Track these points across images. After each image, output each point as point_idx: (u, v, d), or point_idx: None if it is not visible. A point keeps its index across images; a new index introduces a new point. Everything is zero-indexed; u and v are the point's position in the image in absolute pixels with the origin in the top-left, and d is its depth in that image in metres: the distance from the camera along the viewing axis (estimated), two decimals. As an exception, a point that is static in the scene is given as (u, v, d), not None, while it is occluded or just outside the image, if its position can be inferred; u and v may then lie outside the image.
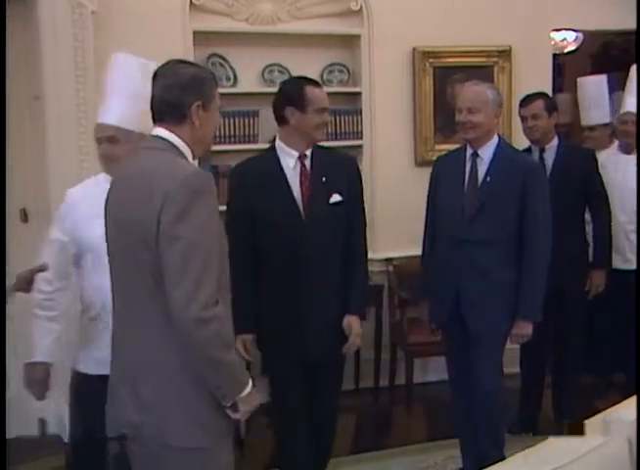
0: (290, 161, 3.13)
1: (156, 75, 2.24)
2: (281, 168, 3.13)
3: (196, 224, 2.03)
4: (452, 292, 3.39)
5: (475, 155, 3.38)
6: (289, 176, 3.12)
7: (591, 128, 4.71)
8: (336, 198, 3.15)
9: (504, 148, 3.41)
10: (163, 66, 2.26)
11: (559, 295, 3.98)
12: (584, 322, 4.18)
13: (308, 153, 3.17)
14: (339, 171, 3.20)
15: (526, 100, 4.09)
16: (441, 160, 3.67)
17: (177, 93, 2.17)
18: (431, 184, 3.60)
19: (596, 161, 4.16)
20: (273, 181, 3.10)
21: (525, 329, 3.34)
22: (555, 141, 4.07)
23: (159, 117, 2.22)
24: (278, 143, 3.15)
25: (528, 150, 4.10)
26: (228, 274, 2.23)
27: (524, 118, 4.07)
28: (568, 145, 4.20)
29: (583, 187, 4.05)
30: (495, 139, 3.38)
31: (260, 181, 3.10)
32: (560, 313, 4.10)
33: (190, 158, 2.23)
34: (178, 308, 2.00)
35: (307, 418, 3.25)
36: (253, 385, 2.20)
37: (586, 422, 2.19)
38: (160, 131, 2.21)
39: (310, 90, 3.09)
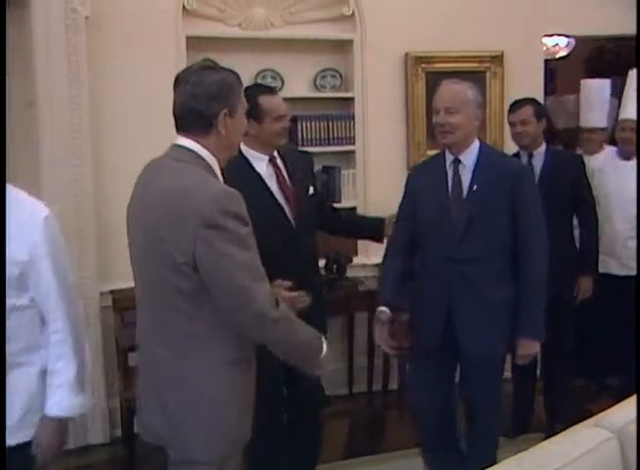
0: (261, 164, 3.18)
1: (178, 80, 2.19)
2: (257, 173, 3.16)
3: (233, 240, 2.06)
4: (444, 310, 3.13)
5: (456, 161, 3.11)
6: (266, 180, 3.16)
7: (590, 131, 4.67)
8: (311, 190, 3.30)
9: (487, 152, 3.15)
10: (186, 71, 2.22)
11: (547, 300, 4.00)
12: (574, 327, 4.17)
13: (275, 154, 3.24)
14: (305, 166, 3.35)
15: (515, 106, 4.07)
16: (418, 169, 3.39)
17: (205, 103, 2.13)
18: (405, 196, 3.30)
19: (584, 166, 4.14)
20: (252, 186, 3.04)
21: (531, 349, 3.12)
22: (543, 147, 4.05)
23: (183, 127, 2.19)
24: (245, 149, 3.12)
25: (517, 155, 4.08)
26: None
27: (512, 124, 4.05)
28: (556, 150, 4.19)
29: (572, 192, 4.03)
30: (477, 143, 3.12)
31: (238, 186, 3.07)
32: (549, 319, 4.08)
33: (216, 168, 2.20)
34: (249, 315, 2.09)
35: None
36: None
37: (578, 426, 2.20)
38: (186, 142, 2.18)
39: (265, 100, 3.10)
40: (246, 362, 2.26)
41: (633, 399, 2.21)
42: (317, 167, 4.83)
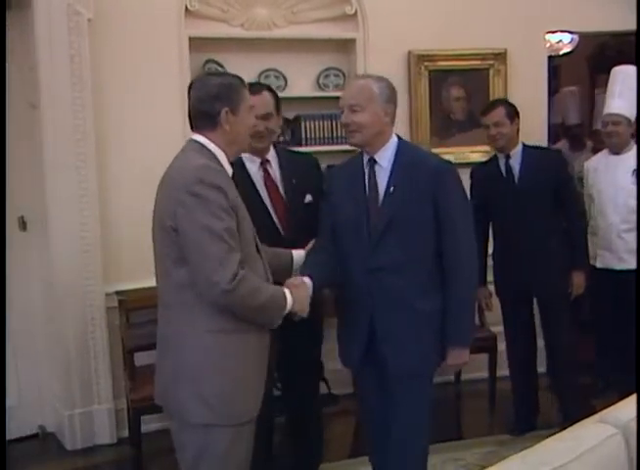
0: (252, 166, 3.16)
1: (190, 88, 2.51)
2: (248, 173, 3.14)
3: (209, 208, 2.27)
4: (365, 325, 2.86)
5: (372, 161, 2.85)
6: (256, 183, 3.14)
7: (615, 123, 4.44)
8: (309, 198, 3.23)
9: (406, 150, 2.87)
10: (196, 78, 2.57)
11: (539, 299, 4.08)
12: (570, 323, 4.15)
13: (271, 157, 3.20)
14: (306, 172, 3.28)
15: (487, 108, 4.08)
16: (336, 170, 3.17)
17: (208, 103, 2.43)
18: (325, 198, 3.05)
19: (566, 162, 4.13)
20: (242, 184, 2.87)
21: (461, 358, 2.88)
22: (519, 147, 4.03)
23: (195, 125, 2.49)
24: None
25: (495, 158, 4.10)
26: (254, 244, 2.48)
27: (486, 127, 4.03)
28: (533, 149, 4.12)
29: (555, 190, 3.99)
30: (393, 141, 2.86)
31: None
32: (545, 318, 4.13)
33: (223, 159, 2.46)
34: (207, 288, 2.28)
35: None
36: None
37: (583, 422, 2.20)
38: (197, 137, 2.48)
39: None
40: (236, 333, 2.38)
41: (638, 395, 2.21)
42: (321, 167, 4.85)
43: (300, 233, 3.10)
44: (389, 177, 2.81)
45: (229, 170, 2.49)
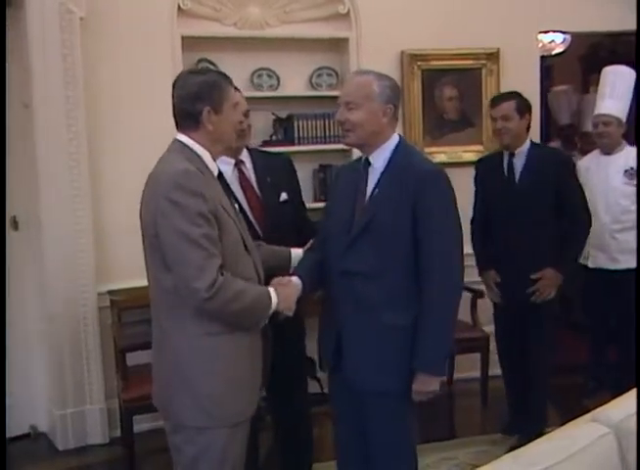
0: (227, 168, 3.07)
1: (173, 87, 2.46)
2: (222, 176, 3.06)
3: (187, 214, 2.23)
4: (334, 331, 2.71)
5: (367, 162, 2.73)
6: (231, 185, 3.07)
7: (606, 123, 4.43)
8: (284, 196, 3.23)
9: (402, 153, 2.69)
10: (178, 76, 2.49)
11: (528, 303, 3.82)
12: (553, 329, 3.92)
13: (244, 158, 3.18)
14: (280, 171, 3.27)
15: (496, 100, 3.86)
16: (340, 169, 3.07)
17: (188, 103, 2.39)
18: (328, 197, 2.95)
19: (573, 167, 3.92)
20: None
21: (428, 385, 2.61)
22: (527, 145, 3.80)
23: (179, 125, 2.45)
24: None
25: (500, 153, 3.89)
26: (241, 243, 2.43)
27: (493, 120, 3.83)
28: (541, 149, 3.93)
29: (557, 195, 3.74)
30: (391, 143, 2.68)
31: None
32: (530, 321, 3.87)
33: (207, 159, 2.43)
34: (188, 295, 2.27)
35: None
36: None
37: (576, 421, 2.20)
38: (181, 137, 2.44)
39: None
40: (224, 334, 2.37)
41: (630, 394, 2.21)
42: (314, 166, 4.86)
43: (278, 232, 3.10)
44: (378, 179, 2.67)
45: (214, 170, 2.46)
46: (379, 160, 2.68)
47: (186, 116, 2.40)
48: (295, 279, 2.66)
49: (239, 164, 3.16)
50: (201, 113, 2.37)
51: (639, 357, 3.94)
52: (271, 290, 2.48)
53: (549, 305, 3.82)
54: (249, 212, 3.10)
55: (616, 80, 4.49)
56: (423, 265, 2.58)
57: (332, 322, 2.73)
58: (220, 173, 2.95)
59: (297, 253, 2.91)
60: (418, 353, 2.59)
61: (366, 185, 2.69)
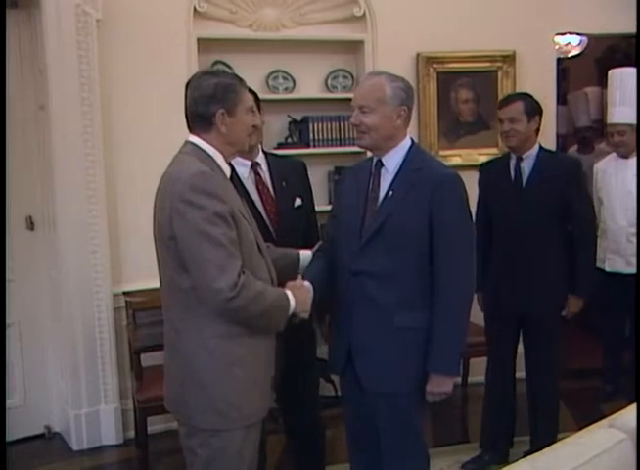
0: (243, 170, 3.09)
1: (186, 88, 2.45)
2: (238, 178, 3.06)
3: (204, 215, 2.22)
4: (347, 332, 2.72)
5: (379, 164, 2.72)
6: (247, 187, 3.08)
7: (620, 133, 4.41)
8: (298, 201, 3.22)
9: (416, 156, 2.70)
10: (192, 77, 2.48)
11: (529, 317, 3.66)
12: (558, 347, 3.75)
13: (260, 160, 3.17)
14: (294, 175, 3.26)
15: (505, 101, 3.68)
16: (349, 170, 3.00)
17: (202, 104, 2.37)
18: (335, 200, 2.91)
19: (581, 172, 3.74)
20: (233, 190, 2.89)
21: (441, 386, 2.64)
22: (535, 149, 3.62)
23: (191, 127, 2.44)
24: None
25: (507, 156, 3.72)
26: (256, 246, 2.43)
27: (500, 121, 3.67)
28: (551, 154, 3.74)
29: (563, 203, 3.57)
30: (404, 145, 2.69)
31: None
32: (530, 337, 3.73)
33: (220, 160, 2.42)
34: (209, 295, 2.25)
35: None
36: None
37: (592, 426, 2.19)
38: (193, 138, 2.43)
39: None
40: (240, 336, 2.36)
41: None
42: (329, 168, 4.86)
43: (291, 237, 3.10)
44: (392, 182, 2.66)
45: (227, 172, 2.46)
46: (392, 162, 2.68)
47: (199, 117, 2.39)
48: (307, 283, 2.65)
49: (255, 166, 3.14)
50: (214, 114, 2.36)
51: (639, 360, 3.90)
52: (288, 292, 2.47)
53: (556, 313, 3.70)
54: (264, 215, 3.09)
55: (623, 83, 4.47)
56: (437, 267, 2.60)
57: (344, 323, 2.74)
58: (233, 175, 2.92)
59: (305, 254, 2.90)
60: (431, 354, 2.61)
61: (378, 187, 2.69)
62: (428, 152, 2.92)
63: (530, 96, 3.68)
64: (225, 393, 2.36)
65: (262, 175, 3.16)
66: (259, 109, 3.10)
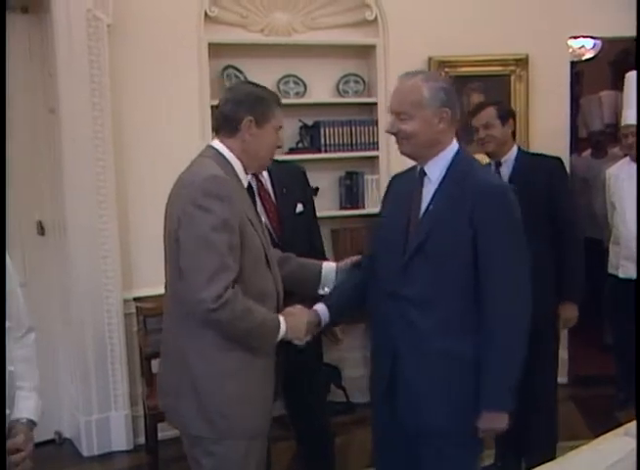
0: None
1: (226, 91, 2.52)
2: (241, 185, 3.02)
3: (211, 221, 2.19)
4: (388, 359, 2.47)
5: (422, 173, 2.46)
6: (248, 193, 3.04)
7: (635, 134, 4.32)
8: (299, 208, 3.20)
9: (460, 163, 2.44)
10: (235, 83, 2.52)
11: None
12: (554, 358, 3.66)
13: None
14: (294, 181, 3.25)
15: (476, 108, 3.67)
16: (397, 177, 2.70)
17: (231, 107, 2.38)
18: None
19: (564, 172, 3.67)
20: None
21: (494, 422, 2.36)
22: (513, 152, 3.57)
23: (216, 129, 2.45)
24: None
25: (487, 165, 3.58)
26: (263, 259, 2.39)
27: (475, 130, 3.61)
28: (530, 156, 3.69)
29: (548, 205, 3.47)
30: (449, 152, 2.44)
31: None
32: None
33: (239, 168, 2.40)
34: (193, 300, 2.22)
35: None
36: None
37: (608, 435, 2.16)
38: (214, 142, 2.43)
39: None
40: (235, 350, 2.32)
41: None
42: (340, 173, 4.84)
43: (294, 242, 3.06)
44: (434, 193, 2.41)
45: (244, 181, 2.43)
46: (435, 170, 2.43)
47: (225, 119, 2.39)
48: (315, 308, 2.55)
49: (256, 173, 3.10)
50: (242, 120, 2.36)
51: (639, 366, 3.84)
52: (281, 318, 2.40)
53: (546, 336, 3.48)
54: (267, 222, 3.07)
55: (635, 86, 4.42)
56: (484, 291, 2.34)
57: (383, 349, 2.51)
58: (250, 186, 2.92)
59: (328, 268, 2.77)
60: (482, 390, 2.34)
61: (420, 199, 2.44)
62: (475, 158, 2.63)
63: (501, 102, 3.70)
64: (216, 402, 2.33)
65: (264, 182, 3.15)
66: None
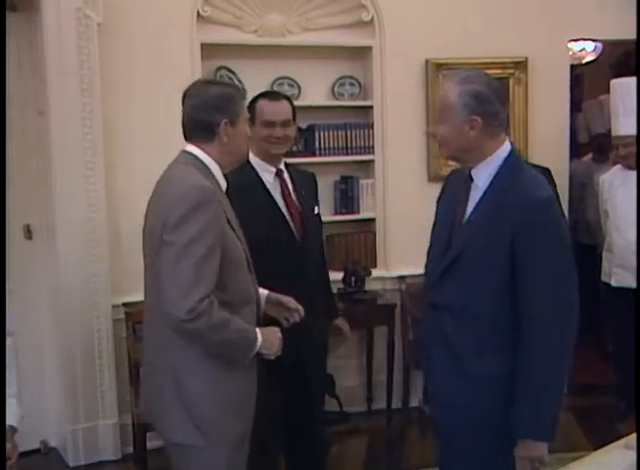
0: (268, 176, 3.12)
1: (184, 95, 2.42)
2: (263, 184, 3.10)
3: (191, 232, 2.17)
4: (426, 375, 2.54)
5: (469, 178, 2.35)
6: (272, 192, 3.11)
7: (626, 145, 4.31)
8: (316, 210, 3.28)
9: (508, 172, 2.28)
10: (192, 85, 2.44)
11: None
12: None
13: (283, 168, 3.19)
14: (309, 185, 3.30)
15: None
16: (452, 176, 2.56)
17: (206, 113, 2.34)
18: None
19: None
20: (259, 196, 3.06)
21: (531, 451, 2.20)
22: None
23: (189, 136, 2.40)
24: (252, 158, 3.07)
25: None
26: (244, 262, 2.38)
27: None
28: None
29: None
30: (498, 157, 2.29)
31: (244, 194, 2.92)
32: None
33: (217, 172, 2.38)
34: (169, 309, 2.18)
35: None
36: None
37: (608, 447, 2.10)
38: (191, 148, 2.39)
39: (260, 103, 3.10)
40: (216, 358, 2.30)
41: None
42: (335, 177, 4.77)
43: (312, 243, 3.18)
44: (478, 201, 2.29)
45: (223, 185, 2.42)
46: (482, 176, 2.30)
47: (200, 126, 2.35)
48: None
49: (280, 173, 3.16)
50: (218, 124, 2.33)
51: (639, 371, 3.77)
52: (257, 330, 2.38)
53: None
54: (289, 220, 3.11)
55: (624, 95, 4.36)
56: (524, 309, 2.20)
57: (425, 364, 2.52)
58: (261, 180, 3.07)
59: (263, 294, 2.71)
60: (519, 416, 2.20)
61: (466, 206, 2.32)
62: (526, 165, 2.43)
63: None
64: (201, 410, 2.30)
65: (287, 182, 3.18)
66: (294, 118, 3.15)
